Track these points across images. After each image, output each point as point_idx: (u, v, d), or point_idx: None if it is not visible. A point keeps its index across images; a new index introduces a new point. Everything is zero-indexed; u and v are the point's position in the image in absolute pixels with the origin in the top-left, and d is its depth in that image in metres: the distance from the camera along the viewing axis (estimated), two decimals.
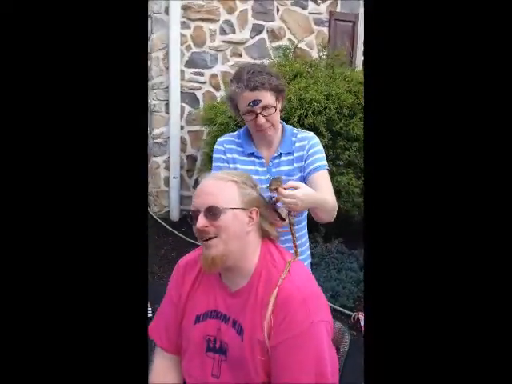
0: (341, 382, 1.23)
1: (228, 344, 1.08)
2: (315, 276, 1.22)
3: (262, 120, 1.37)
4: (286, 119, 3.16)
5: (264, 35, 4.36)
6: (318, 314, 1.04)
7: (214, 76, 4.23)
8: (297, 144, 1.49)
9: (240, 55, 4.29)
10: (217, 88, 4.25)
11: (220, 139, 1.54)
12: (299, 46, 4.36)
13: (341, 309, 2.70)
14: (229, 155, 1.48)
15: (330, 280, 2.92)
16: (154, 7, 3.93)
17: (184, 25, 4.04)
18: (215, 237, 1.05)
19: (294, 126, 3.13)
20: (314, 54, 4.45)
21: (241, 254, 1.08)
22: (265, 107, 1.36)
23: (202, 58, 4.17)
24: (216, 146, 1.53)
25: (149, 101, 4.07)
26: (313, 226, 3.46)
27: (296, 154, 1.48)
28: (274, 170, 1.47)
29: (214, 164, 1.52)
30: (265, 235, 1.14)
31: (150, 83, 4.08)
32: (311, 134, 1.54)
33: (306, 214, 1.54)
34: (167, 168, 4.18)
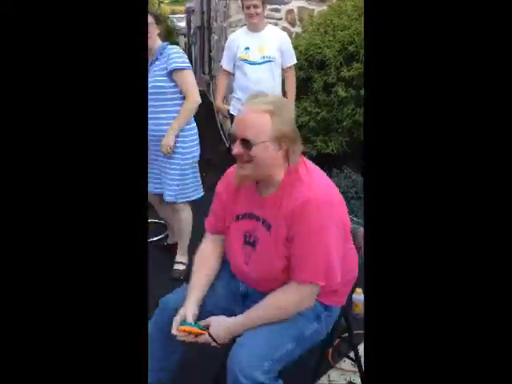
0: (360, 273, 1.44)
1: (259, 238, 1.34)
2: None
3: None
4: (355, 53, 3.18)
5: None
6: (329, 219, 1.25)
7: (290, 11, 4.27)
8: None
9: None
10: (293, 24, 4.29)
11: None
12: None
13: None
14: None
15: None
16: None
17: None
18: (248, 161, 1.28)
19: (362, 61, 3.15)
20: None
21: (268, 173, 1.30)
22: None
23: None
24: None
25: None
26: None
27: None
28: None
29: None
30: (287, 164, 1.31)
31: (228, 21, 4.24)
32: None
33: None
34: None
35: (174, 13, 15.11)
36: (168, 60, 2.28)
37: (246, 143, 1.26)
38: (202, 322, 1.32)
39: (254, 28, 2.98)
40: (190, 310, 1.33)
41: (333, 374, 1.81)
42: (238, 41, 3.01)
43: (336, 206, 1.30)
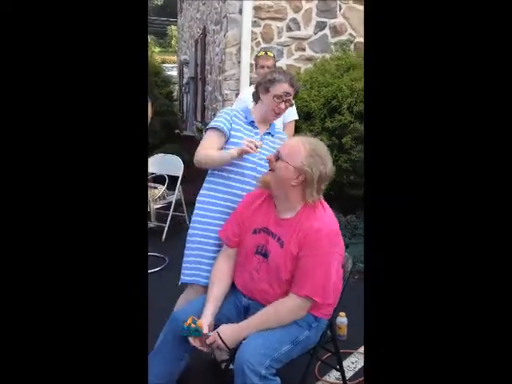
0: (343, 290, 1.72)
1: (271, 251, 1.62)
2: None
3: (283, 106, 1.94)
4: (337, 106, 3.60)
5: (326, 31, 4.79)
6: (335, 246, 1.56)
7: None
8: (278, 135, 2.03)
9: (303, 49, 4.77)
10: None
11: (231, 109, 2.04)
12: (360, 40, 4.74)
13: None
14: (234, 125, 1.94)
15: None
16: (230, 8, 4.54)
17: (255, 24, 4.62)
18: (272, 170, 1.62)
19: (343, 113, 3.58)
20: None
21: (284, 192, 1.60)
22: (288, 100, 1.95)
23: None
24: (226, 110, 2.01)
25: (222, 90, 4.68)
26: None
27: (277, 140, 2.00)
28: (264, 139, 1.99)
29: (218, 118, 1.93)
30: (304, 198, 1.61)
31: (223, 75, 4.68)
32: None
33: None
34: None
35: (163, 62, 15.85)
36: None
37: (276, 156, 1.60)
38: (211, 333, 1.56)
39: None
40: (205, 321, 1.58)
41: None
42: (247, 97, 3.43)
43: (340, 236, 1.61)
